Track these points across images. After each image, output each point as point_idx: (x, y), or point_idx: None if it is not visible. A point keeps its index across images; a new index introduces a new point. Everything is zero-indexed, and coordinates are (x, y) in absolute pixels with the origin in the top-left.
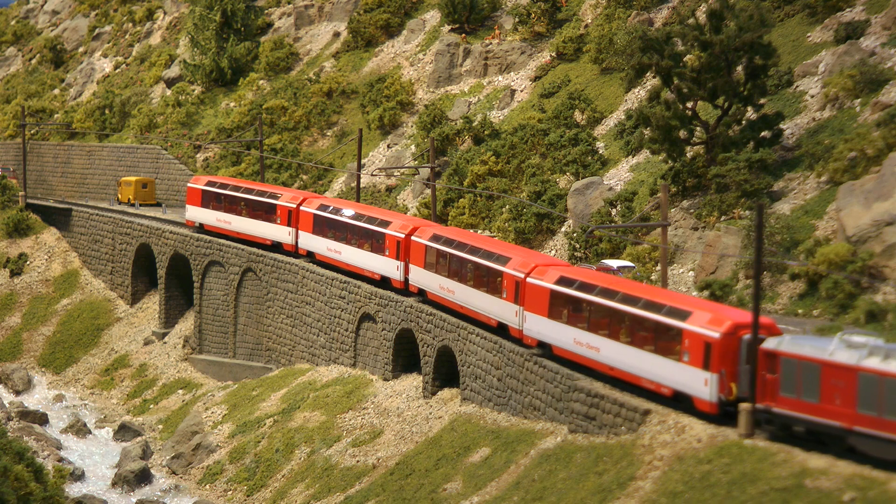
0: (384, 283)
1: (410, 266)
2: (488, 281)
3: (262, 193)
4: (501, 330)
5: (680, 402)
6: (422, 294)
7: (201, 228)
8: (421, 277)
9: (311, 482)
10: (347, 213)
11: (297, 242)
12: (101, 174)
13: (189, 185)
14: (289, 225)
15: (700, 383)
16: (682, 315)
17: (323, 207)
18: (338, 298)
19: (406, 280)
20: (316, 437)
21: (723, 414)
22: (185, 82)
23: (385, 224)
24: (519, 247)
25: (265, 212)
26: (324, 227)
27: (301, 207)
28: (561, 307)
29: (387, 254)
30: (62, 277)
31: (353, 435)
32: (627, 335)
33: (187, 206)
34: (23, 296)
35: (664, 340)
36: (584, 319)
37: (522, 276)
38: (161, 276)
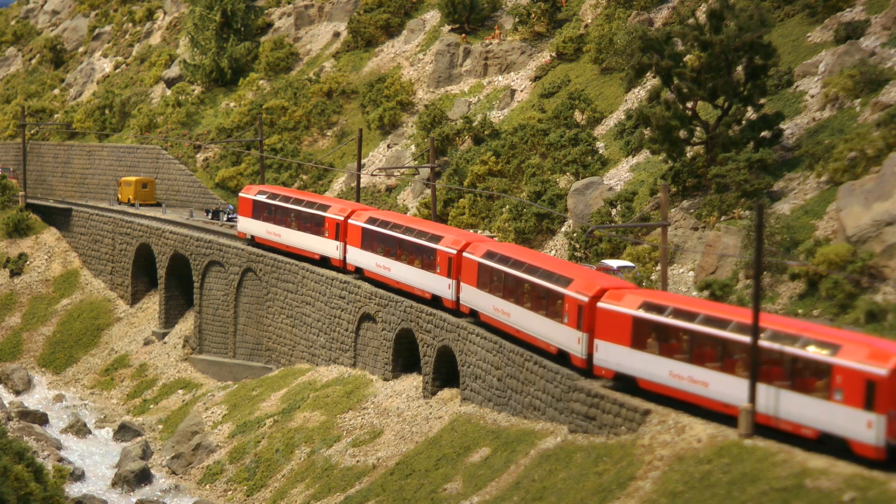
0: (435, 302)
1: (462, 285)
2: (547, 304)
3: (310, 205)
4: (562, 358)
5: (825, 444)
6: (474, 315)
7: (253, 241)
8: (474, 297)
9: (311, 482)
10: (397, 226)
11: (345, 257)
12: (101, 174)
13: (241, 194)
14: (336, 239)
15: (861, 426)
16: (830, 348)
17: (372, 220)
18: (338, 298)
19: (458, 300)
20: (316, 437)
21: (890, 459)
22: (185, 82)
23: (436, 239)
24: (581, 266)
25: (314, 224)
26: (373, 241)
27: (349, 220)
28: (650, 337)
29: (438, 271)
30: (62, 277)
31: (353, 435)
32: (748, 370)
33: (238, 216)
34: (23, 296)
35: (802, 376)
36: (686, 351)
37: (587, 299)
38: (161, 276)
